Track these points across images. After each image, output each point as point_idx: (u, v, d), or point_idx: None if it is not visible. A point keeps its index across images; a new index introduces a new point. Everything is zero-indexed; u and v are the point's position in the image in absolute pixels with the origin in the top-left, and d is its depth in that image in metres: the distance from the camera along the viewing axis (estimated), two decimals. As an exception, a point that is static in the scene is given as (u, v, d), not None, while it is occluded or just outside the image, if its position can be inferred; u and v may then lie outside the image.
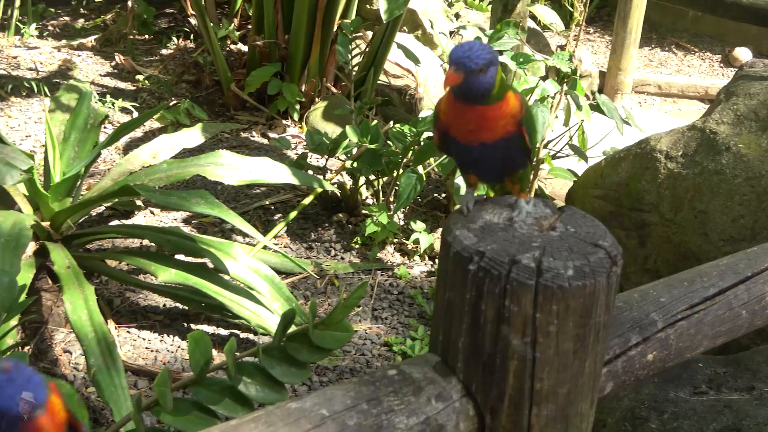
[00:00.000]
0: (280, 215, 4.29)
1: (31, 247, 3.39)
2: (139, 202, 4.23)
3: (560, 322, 1.10)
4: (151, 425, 2.74)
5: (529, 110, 1.38)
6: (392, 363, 3.23)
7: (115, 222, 4.14)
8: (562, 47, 5.21)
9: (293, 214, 4.04)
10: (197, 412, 1.87)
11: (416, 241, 4.00)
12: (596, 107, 3.74)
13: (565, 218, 1.22)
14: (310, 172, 4.13)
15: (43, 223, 3.46)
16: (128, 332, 3.35)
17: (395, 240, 4.13)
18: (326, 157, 4.21)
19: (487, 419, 1.17)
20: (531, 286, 1.09)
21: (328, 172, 4.47)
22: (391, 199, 4.18)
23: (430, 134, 3.93)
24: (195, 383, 1.88)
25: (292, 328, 1.89)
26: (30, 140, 5.00)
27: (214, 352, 3.01)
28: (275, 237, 3.99)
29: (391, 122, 4.36)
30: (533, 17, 5.63)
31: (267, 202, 4.43)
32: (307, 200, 4.12)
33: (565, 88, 3.74)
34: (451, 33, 5.86)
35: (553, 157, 4.03)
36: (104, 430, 2.74)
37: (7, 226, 3.00)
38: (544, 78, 3.84)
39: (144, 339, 3.32)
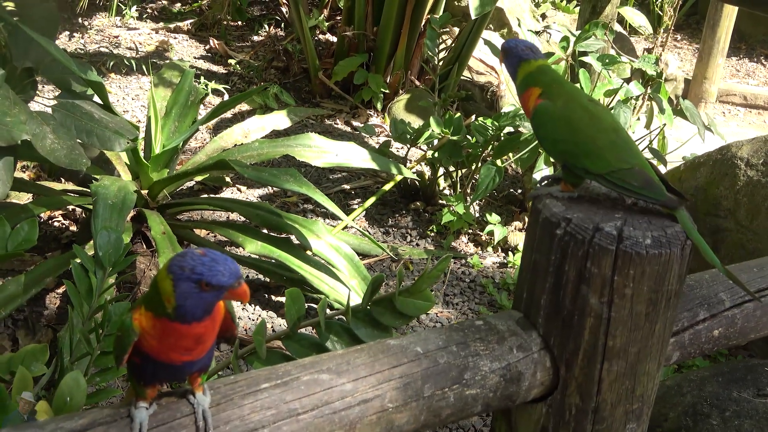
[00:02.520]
0: (359, 200, 4.46)
1: (130, 213, 3.63)
2: (227, 179, 4.46)
3: (635, 286, 1.23)
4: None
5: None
6: (477, 317, 3.36)
7: (205, 196, 4.37)
8: (649, 50, 5.22)
9: (373, 199, 4.19)
10: (287, 364, 2.03)
11: (490, 233, 4.10)
12: (679, 112, 3.77)
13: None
14: (392, 160, 4.27)
15: (142, 191, 3.70)
16: (214, 298, 3.56)
17: (470, 231, 4.23)
18: (408, 146, 4.34)
19: (561, 371, 1.31)
20: (611, 251, 1.22)
21: (409, 161, 4.60)
22: (468, 190, 4.28)
23: (511, 129, 4.03)
24: (287, 337, 2.05)
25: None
26: (128, 115, 5.30)
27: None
28: (354, 219, 4.15)
29: (473, 116, 4.46)
30: (621, 21, 5.63)
31: (347, 187, 4.60)
32: (387, 186, 4.27)
33: (649, 91, 3.79)
34: (537, 33, 5.92)
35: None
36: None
37: (114, 189, 3.24)
38: (628, 80, 3.89)
39: (228, 306, 3.53)
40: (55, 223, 4.01)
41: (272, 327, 3.43)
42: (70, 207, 3.94)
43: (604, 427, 1.33)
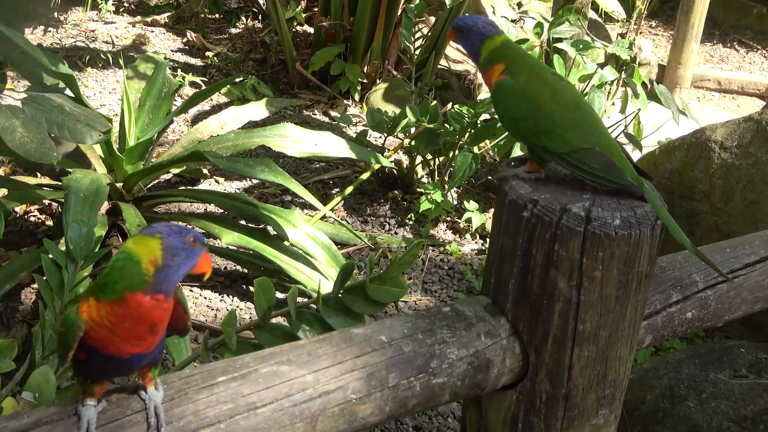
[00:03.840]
0: (337, 190, 4.43)
1: (104, 206, 3.59)
2: (205, 171, 4.42)
3: (605, 268, 1.20)
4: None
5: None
6: (445, 303, 3.35)
7: (182, 188, 4.33)
8: (623, 35, 5.21)
9: (351, 188, 4.17)
10: (258, 354, 2.00)
11: (468, 220, 4.09)
12: (653, 96, 3.76)
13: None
14: (369, 149, 4.24)
15: (117, 184, 3.65)
16: (191, 291, 3.53)
17: (448, 218, 4.23)
18: (385, 135, 4.32)
19: (531, 357, 1.28)
20: (579, 232, 1.19)
21: (387, 150, 4.58)
22: (446, 178, 4.28)
23: (488, 117, 4.01)
24: (258, 327, 2.01)
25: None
26: (104, 109, 5.24)
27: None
28: (332, 210, 4.12)
29: (450, 104, 4.44)
30: (596, 9, 5.62)
31: (326, 177, 4.56)
32: (365, 175, 4.25)
33: (623, 75, 3.78)
34: (513, 21, 5.90)
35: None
36: (172, 370, 2.91)
37: (86, 182, 3.19)
38: (603, 66, 3.88)
39: (205, 298, 3.50)
40: (32, 218, 3.96)
41: (250, 318, 3.40)
42: (46, 201, 3.89)
43: (575, 414, 1.31)
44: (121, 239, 3.71)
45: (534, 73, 1.36)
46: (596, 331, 1.25)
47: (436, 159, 4.32)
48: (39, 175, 4.04)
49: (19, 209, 3.95)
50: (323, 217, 3.87)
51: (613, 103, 4.02)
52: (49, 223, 3.91)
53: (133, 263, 1.04)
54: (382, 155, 4.15)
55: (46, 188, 3.63)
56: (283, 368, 1.10)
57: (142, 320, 1.05)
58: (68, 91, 3.31)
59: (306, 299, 3.46)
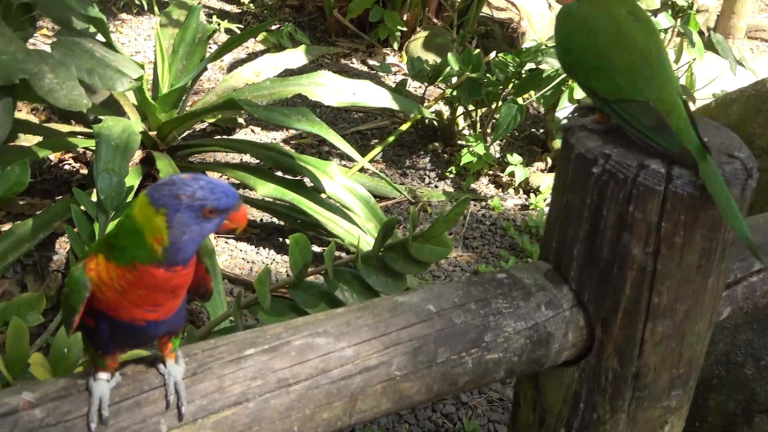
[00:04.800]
0: (376, 141, 4.29)
1: (138, 155, 3.50)
2: (241, 120, 4.31)
3: (687, 234, 1.05)
4: (248, 324, 2.82)
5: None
6: (500, 269, 3.22)
7: (218, 137, 4.23)
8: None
9: (390, 139, 4.03)
10: (293, 313, 1.89)
11: (511, 174, 3.95)
12: (709, 45, 3.53)
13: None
14: (409, 99, 4.09)
15: (150, 133, 3.56)
16: (226, 243, 3.45)
17: (490, 172, 4.08)
18: (425, 85, 4.16)
19: (597, 331, 1.14)
20: (659, 192, 1.03)
21: (427, 100, 4.42)
22: (489, 130, 4.13)
23: (533, 66, 3.82)
24: (293, 285, 1.90)
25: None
26: (139, 56, 5.14)
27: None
28: (371, 161, 3.99)
29: (493, 53, 4.25)
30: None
31: (364, 128, 4.43)
32: (404, 126, 4.11)
33: (679, 23, 3.54)
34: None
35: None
36: (204, 326, 2.85)
37: (118, 130, 3.10)
38: (657, 12, 3.64)
39: (241, 250, 3.41)
40: (66, 167, 3.91)
41: (287, 272, 3.31)
42: (81, 149, 3.82)
43: (645, 395, 1.17)
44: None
45: (606, 5, 1.18)
46: (673, 304, 1.10)
47: (479, 110, 4.18)
48: (73, 122, 3.96)
49: (54, 157, 3.89)
50: (361, 169, 3.75)
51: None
52: (84, 171, 3.85)
53: (138, 235, 0.90)
54: (423, 106, 4.00)
55: (79, 136, 3.56)
56: (319, 340, 0.98)
57: (157, 288, 0.92)
58: (99, 37, 3.20)
59: (344, 254, 3.39)
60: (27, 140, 3.67)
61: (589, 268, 1.12)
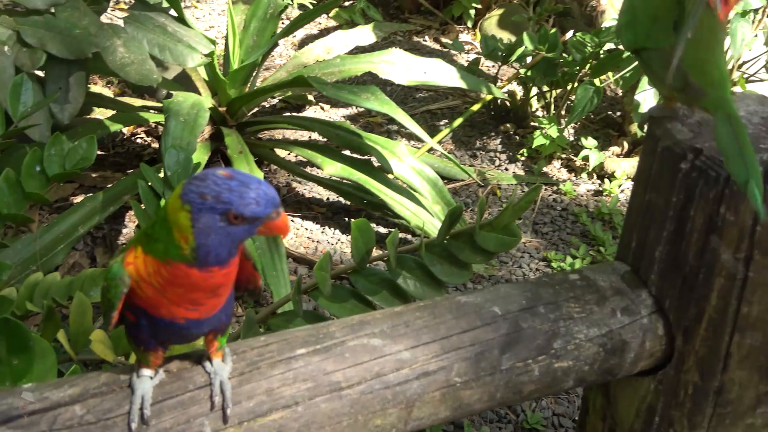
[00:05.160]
0: (446, 121, 4.20)
1: (207, 130, 3.51)
2: (310, 97, 4.28)
3: (785, 240, 0.94)
4: (309, 309, 2.80)
5: None
6: (572, 269, 3.10)
7: (287, 114, 4.21)
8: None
9: (460, 120, 3.94)
10: (354, 300, 1.85)
11: (585, 158, 3.80)
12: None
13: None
14: (481, 78, 3.98)
15: (220, 109, 3.57)
16: (292, 221, 3.43)
17: (563, 155, 3.94)
18: (499, 64, 4.05)
19: (677, 341, 1.04)
20: (755, 193, 0.92)
21: (500, 80, 4.30)
22: (563, 112, 3.99)
23: (612, 46, 3.66)
24: (354, 272, 1.86)
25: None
26: (213, 32, 5.16)
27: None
28: (440, 142, 3.91)
29: (570, 32, 4.10)
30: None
31: (434, 107, 4.34)
32: (475, 107, 4.00)
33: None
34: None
35: (747, 80, 3.63)
36: (264, 309, 2.85)
37: (187, 106, 3.10)
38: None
39: (306, 229, 3.39)
40: (138, 140, 3.96)
41: (351, 253, 3.27)
42: (153, 123, 3.86)
43: (728, 411, 1.07)
44: (223, 165, 3.64)
45: None
46: (764, 316, 1.00)
47: (553, 91, 4.03)
48: (147, 97, 4.00)
49: (126, 131, 3.94)
50: (430, 150, 3.67)
51: (756, 35, 3.57)
52: (155, 145, 3.89)
53: (168, 229, 0.83)
54: (495, 86, 3.89)
55: (151, 111, 3.59)
56: (374, 342, 0.92)
57: (194, 288, 0.86)
58: (173, 12, 3.21)
59: (409, 236, 3.33)
60: (101, 113, 3.72)
61: (672, 273, 1.02)
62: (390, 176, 3.26)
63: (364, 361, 0.91)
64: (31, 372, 1.09)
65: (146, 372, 0.89)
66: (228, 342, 0.92)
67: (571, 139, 4.03)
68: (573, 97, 3.65)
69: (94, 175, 3.58)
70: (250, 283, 0.95)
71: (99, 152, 3.68)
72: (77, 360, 1.81)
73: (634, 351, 1.04)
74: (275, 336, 0.92)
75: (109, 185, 3.21)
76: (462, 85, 3.54)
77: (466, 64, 4.48)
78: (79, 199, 3.33)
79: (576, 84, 3.77)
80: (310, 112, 4.29)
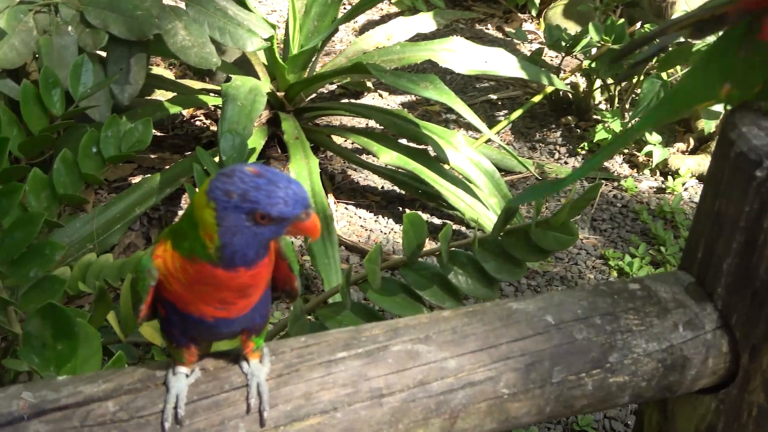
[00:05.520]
0: (505, 112, 4.12)
1: (265, 115, 3.51)
2: (369, 84, 4.25)
3: None
4: (358, 301, 2.78)
5: None
6: (632, 278, 3.00)
7: (345, 101, 4.19)
8: None
9: (520, 111, 3.86)
10: (403, 294, 1.81)
11: (648, 154, 3.69)
12: None
13: None
14: (543, 69, 3.88)
15: (278, 93, 3.56)
16: (346, 209, 3.41)
17: (625, 150, 3.83)
18: (562, 55, 3.95)
19: (743, 359, 0.98)
20: (838, 206, 0.86)
21: (563, 71, 4.19)
22: (627, 106, 3.87)
23: (681, 39, 3.52)
24: (405, 265, 1.81)
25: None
26: (275, 16, 5.16)
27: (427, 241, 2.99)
28: (498, 133, 3.84)
29: (638, 24, 3.97)
30: None
31: (494, 97, 4.26)
32: (536, 98, 3.92)
33: None
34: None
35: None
36: (314, 298, 2.84)
37: (245, 90, 3.09)
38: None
39: (360, 217, 3.37)
40: (197, 122, 3.99)
41: (404, 244, 3.23)
42: (212, 107, 3.89)
43: (795, 437, 1.00)
44: (280, 150, 3.64)
45: None
46: (841, 337, 0.93)
47: (618, 84, 3.90)
48: (207, 79, 4.03)
49: (186, 113, 3.97)
50: (488, 141, 3.60)
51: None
52: (213, 128, 3.92)
53: (194, 226, 0.80)
54: (557, 77, 3.79)
55: (211, 94, 3.60)
56: (419, 347, 0.88)
57: (221, 287, 0.82)
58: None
59: (464, 228, 3.27)
60: (162, 95, 3.76)
61: (741, 287, 0.96)
62: (446, 167, 3.21)
63: (408, 367, 0.87)
64: (75, 357, 1.09)
65: (182, 369, 0.86)
66: (273, 333, 0.89)
67: (635, 133, 3.92)
68: (638, 91, 3.54)
69: (152, 156, 3.62)
70: (286, 285, 0.92)
71: (158, 133, 3.74)
72: (126, 342, 1.82)
73: (696, 368, 0.97)
74: (316, 337, 0.89)
75: (167, 167, 3.24)
76: (523, 75, 3.46)
77: (528, 54, 4.38)
78: (137, 179, 3.38)
79: (642, 77, 3.65)
80: (368, 99, 4.26)
